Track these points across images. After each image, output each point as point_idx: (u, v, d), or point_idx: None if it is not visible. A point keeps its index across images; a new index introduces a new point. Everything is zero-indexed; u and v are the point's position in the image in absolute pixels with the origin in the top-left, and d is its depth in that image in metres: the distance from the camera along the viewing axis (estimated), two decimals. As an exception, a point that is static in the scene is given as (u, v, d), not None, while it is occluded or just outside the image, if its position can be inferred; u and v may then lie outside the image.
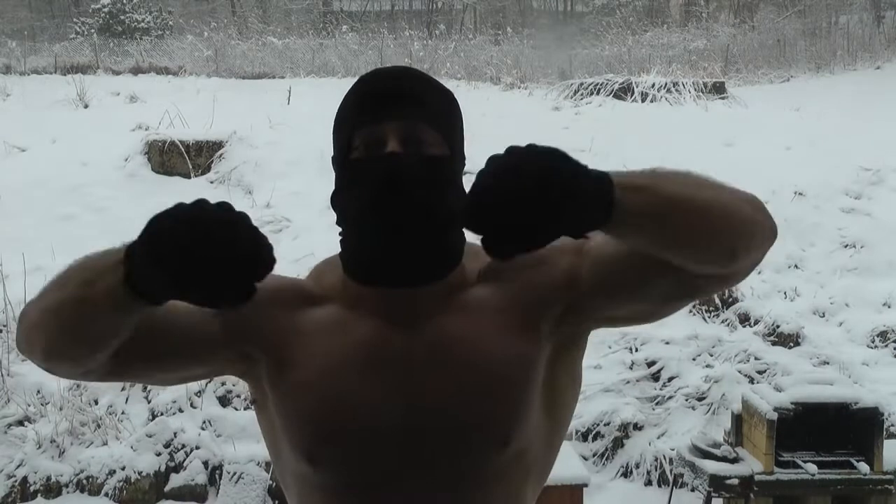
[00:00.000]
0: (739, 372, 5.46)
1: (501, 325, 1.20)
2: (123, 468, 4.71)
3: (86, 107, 12.26)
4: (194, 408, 5.10)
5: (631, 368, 5.52)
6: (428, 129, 1.18)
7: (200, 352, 1.22)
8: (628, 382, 5.46)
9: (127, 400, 5.18)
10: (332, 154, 1.24)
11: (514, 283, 1.22)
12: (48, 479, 4.65)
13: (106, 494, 4.67)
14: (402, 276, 1.17)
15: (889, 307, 6.36)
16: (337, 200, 1.22)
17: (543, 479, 1.29)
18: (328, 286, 1.26)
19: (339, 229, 1.23)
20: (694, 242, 1.10)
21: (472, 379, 1.16)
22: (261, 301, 1.15)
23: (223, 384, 5.25)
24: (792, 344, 5.84)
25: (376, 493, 1.17)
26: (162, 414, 5.06)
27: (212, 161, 8.88)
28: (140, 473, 4.70)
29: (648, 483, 5.06)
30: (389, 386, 1.17)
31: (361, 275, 1.19)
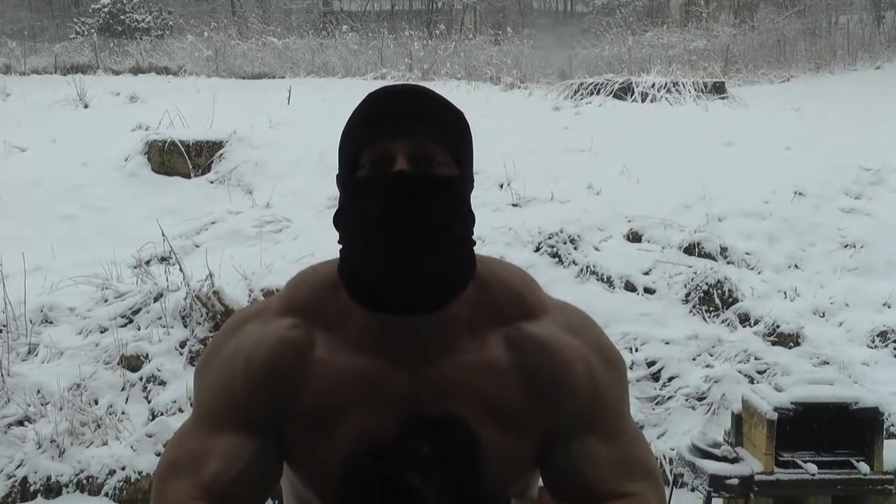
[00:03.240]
0: (739, 372, 5.46)
1: (500, 400, 1.19)
2: (123, 468, 4.71)
3: (86, 107, 12.26)
4: (194, 408, 5.10)
5: (631, 368, 5.52)
6: (438, 149, 1.15)
7: (276, 466, 1.23)
8: (628, 382, 5.46)
9: (127, 400, 5.18)
10: (336, 173, 1.20)
11: (533, 370, 1.21)
12: (48, 479, 4.65)
13: (106, 494, 4.67)
14: (408, 300, 1.14)
15: (889, 307, 6.36)
16: (341, 219, 1.19)
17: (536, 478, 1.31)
18: (319, 311, 1.22)
19: (340, 248, 1.20)
20: None
21: (454, 433, 1.15)
22: (273, 389, 1.19)
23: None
24: (792, 344, 5.84)
25: None
26: (162, 414, 5.06)
27: (212, 161, 8.87)
28: (140, 473, 4.70)
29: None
30: (395, 423, 1.16)
31: (364, 299, 1.16)
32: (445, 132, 1.16)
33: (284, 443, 1.21)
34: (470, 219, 1.19)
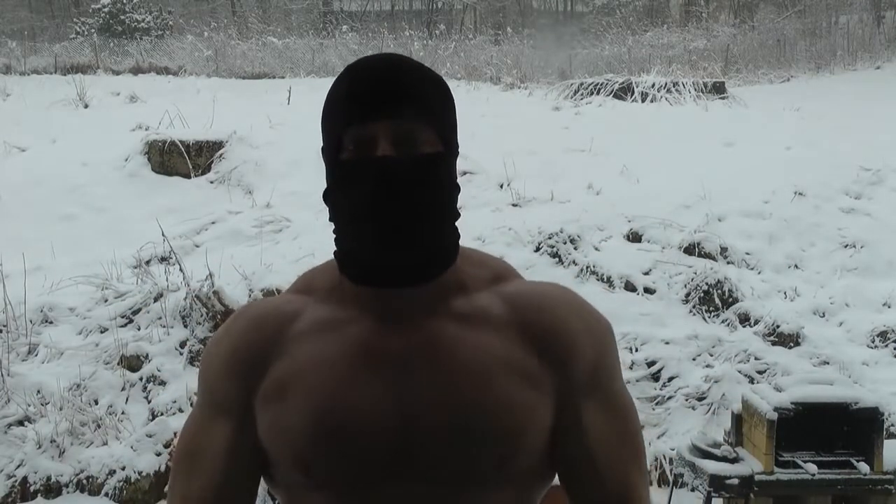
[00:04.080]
0: (739, 372, 5.46)
1: (507, 351, 1.17)
2: (123, 468, 4.71)
3: (86, 107, 12.27)
4: (194, 408, 5.10)
5: (631, 368, 5.52)
6: (421, 127, 1.13)
7: (248, 460, 1.23)
8: (628, 382, 5.46)
9: (127, 400, 5.18)
10: (321, 145, 1.20)
11: (541, 330, 1.19)
12: (48, 479, 4.65)
13: (106, 494, 4.67)
14: (398, 276, 1.14)
15: (889, 307, 6.36)
16: (329, 198, 1.19)
17: (549, 481, 1.27)
18: (318, 288, 1.24)
19: (333, 226, 1.20)
20: None
21: (470, 391, 1.13)
22: (239, 370, 1.19)
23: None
24: (792, 344, 5.84)
25: (368, 496, 1.15)
26: (162, 414, 5.06)
27: (212, 161, 8.88)
28: (140, 473, 4.70)
29: (648, 483, 5.07)
30: (384, 387, 1.14)
31: (356, 275, 1.17)
32: (428, 109, 1.14)
33: (258, 421, 1.20)
34: (455, 190, 1.19)
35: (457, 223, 1.21)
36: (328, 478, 1.15)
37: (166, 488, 1.32)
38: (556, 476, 1.27)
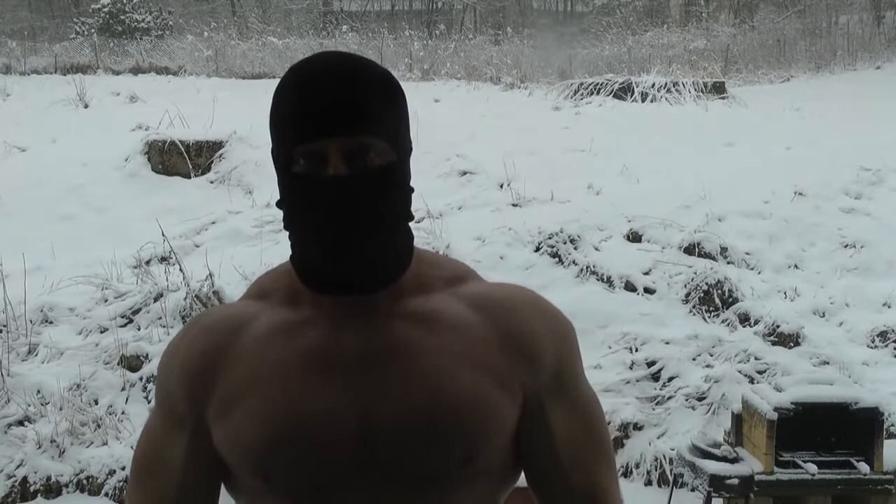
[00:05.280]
0: (739, 372, 5.46)
1: (475, 351, 1.16)
2: (123, 468, 4.70)
3: (86, 107, 12.27)
4: (194, 408, 5.10)
5: (631, 368, 5.52)
6: (373, 140, 1.10)
7: (208, 467, 1.21)
8: (628, 382, 5.46)
9: (127, 400, 5.18)
10: (271, 150, 1.17)
11: (505, 329, 1.18)
12: (48, 479, 4.65)
13: (106, 494, 4.67)
14: (353, 285, 1.13)
15: (889, 307, 6.36)
16: (283, 207, 1.17)
17: (514, 481, 1.26)
18: (273, 292, 1.22)
19: (288, 233, 1.18)
20: None
21: (430, 392, 1.12)
22: (190, 380, 1.18)
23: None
24: (792, 344, 5.84)
25: (330, 502, 1.13)
26: (162, 414, 5.06)
27: (212, 161, 8.88)
28: (140, 473, 4.70)
29: (648, 483, 5.06)
30: (342, 391, 1.13)
31: (312, 283, 1.15)
32: (380, 119, 1.11)
33: (212, 431, 1.18)
34: (409, 193, 1.18)
35: (410, 224, 1.19)
36: (288, 485, 1.14)
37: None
38: (521, 476, 1.27)
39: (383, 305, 1.16)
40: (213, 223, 7.69)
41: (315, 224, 1.11)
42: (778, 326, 5.89)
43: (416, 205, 7.62)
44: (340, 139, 1.09)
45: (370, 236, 1.11)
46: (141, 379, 5.26)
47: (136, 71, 16.74)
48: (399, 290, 1.17)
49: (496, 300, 1.21)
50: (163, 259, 6.66)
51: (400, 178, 1.15)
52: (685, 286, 6.21)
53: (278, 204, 1.19)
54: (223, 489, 1.25)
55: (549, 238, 6.54)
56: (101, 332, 5.60)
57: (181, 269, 5.83)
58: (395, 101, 1.15)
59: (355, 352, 1.14)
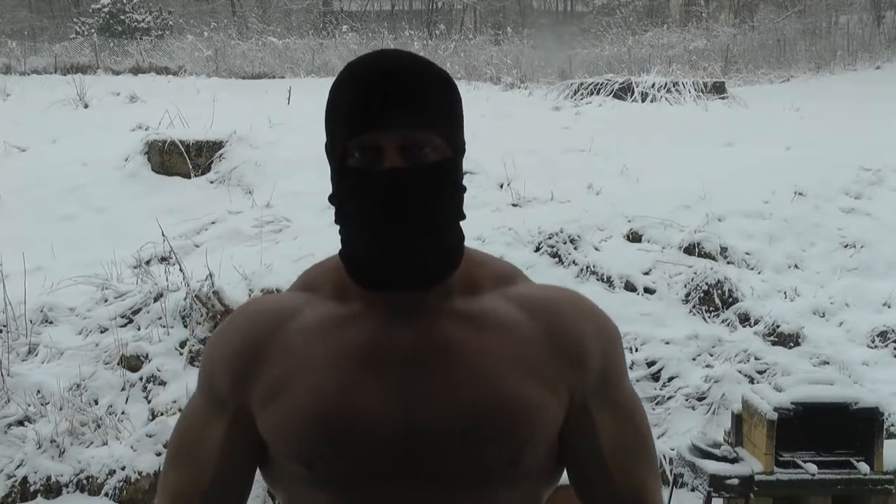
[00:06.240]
0: (739, 372, 5.46)
1: (524, 352, 1.16)
2: (123, 468, 4.70)
3: (86, 107, 12.28)
4: (194, 408, 5.10)
5: (631, 368, 5.52)
6: (429, 135, 1.11)
7: (246, 449, 1.22)
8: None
9: (127, 400, 5.17)
10: (325, 144, 1.18)
11: (553, 330, 1.18)
12: (48, 479, 4.64)
13: (106, 494, 4.67)
14: (406, 282, 1.13)
15: (889, 307, 6.36)
16: (336, 201, 1.17)
17: (556, 481, 1.26)
18: (321, 285, 1.22)
19: (339, 227, 1.18)
20: None
21: (478, 392, 1.13)
22: (234, 367, 1.19)
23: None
24: (792, 344, 5.84)
25: (372, 496, 1.14)
26: (162, 414, 5.05)
27: (212, 161, 8.88)
28: (140, 473, 4.70)
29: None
30: (390, 387, 1.13)
31: (362, 279, 1.15)
32: (436, 115, 1.12)
33: (256, 418, 1.19)
34: (461, 192, 1.18)
35: (461, 223, 1.20)
36: (331, 475, 1.14)
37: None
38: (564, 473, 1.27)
39: (432, 304, 1.16)
40: (213, 223, 7.69)
41: (368, 217, 1.11)
42: (778, 326, 5.89)
43: (416, 205, 7.59)
44: (396, 132, 1.09)
45: (422, 232, 1.11)
46: (141, 379, 5.26)
47: (136, 71, 16.76)
48: (448, 289, 1.17)
49: (544, 301, 1.21)
50: (163, 259, 6.66)
51: (453, 176, 1.16)
52: (685, 286, 6.21)
53: (330, 198, 1.18)
54: (257, 477, 1.25)
55: (549, 238, 6.53)
56: (101, 332, 5.60)
57: (181, 269, 5.83)
58: (451, 100, 1.16)
59: (405, 349, 1.15)
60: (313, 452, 1.14)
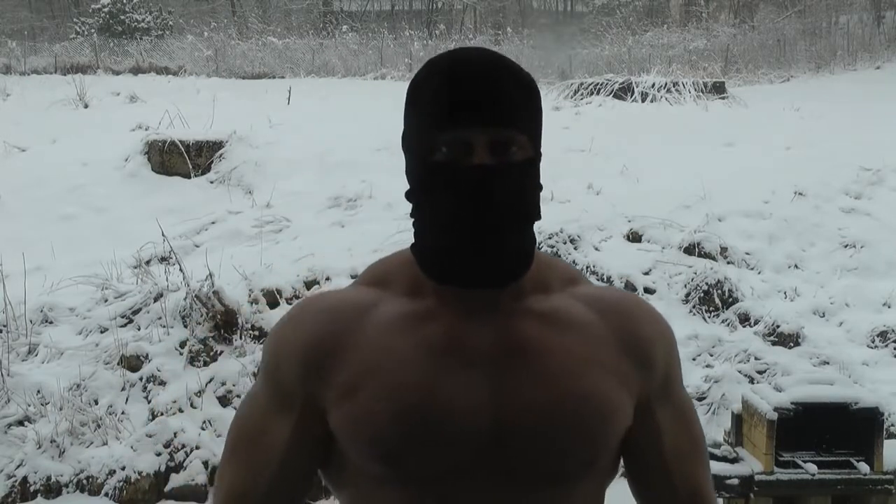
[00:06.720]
0: (739, 372, 5.46)
1: (598, 352, 1.18)
2: (123, 468, 4.70)
3: (86, 107, 12.28)
4: (194, 408, 5.10)
5: (631, 368, 5.52)
6: (517, 134, 1.12)
7: (312, 447, 1.20)
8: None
9: (127, 400, 5.17)
10: (405, 136, 1.18)
11: (623, 332, 1.21)
12: (48, 479, 4.64)
13: (106, 494, 4.67)
14: (487, 279, 1.14)
15: (889, 307, 6.36)
16: (415, 197, 1.18)
17: (614, 478, 1.28)
18: (394, 281, 1.21)
19: (414, 221, 1.19)
20: None
21: (562, 390, 1.14)
22: (306, 363, 1.16)
23: (223, 384, 5.24)
24: (792, 344, 5.84)
25: (451, 492, 1.13)
26: (162, 414, 5.05)
27: (212, 161, 8.88)
28: (140, 473, 4.70)
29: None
30: (476, 384, 1.13)
31: (441, 275, 1.15)
32: (524, 115, 1.14)
33: (329, 415, 1.16)
34: (539, 194, 1.19)
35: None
36: (412, 472, 1.13)
37: (216, 476, 1.25)
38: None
39: (506, 302, 1.17)
40: (213, 223, 7.69)
41: (453, 214, 1.12)
42: (778, 326, 5.89)
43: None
44: (487, 129, 1.10)
45: (505, 229, 1.13)
46: (141, 379, 5.26)
47: (136, 71, 16.76)
48: (520, 289, 1.18)
49: (614, 303, 1.23)
50: (163, 259, 6.66)
51: (535, 176, 1.17)
52: (685, 286, 6.21)
53: (408, 194, 1.19)
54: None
55: (549, 238, 6.54)
56: (101, 332, 5.60)
57: (181, 269, 5.83)
58: (536, 101, 1.17)
59: (487, 346, 1.15)
60: (396, 448, 1.12)
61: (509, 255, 1.14)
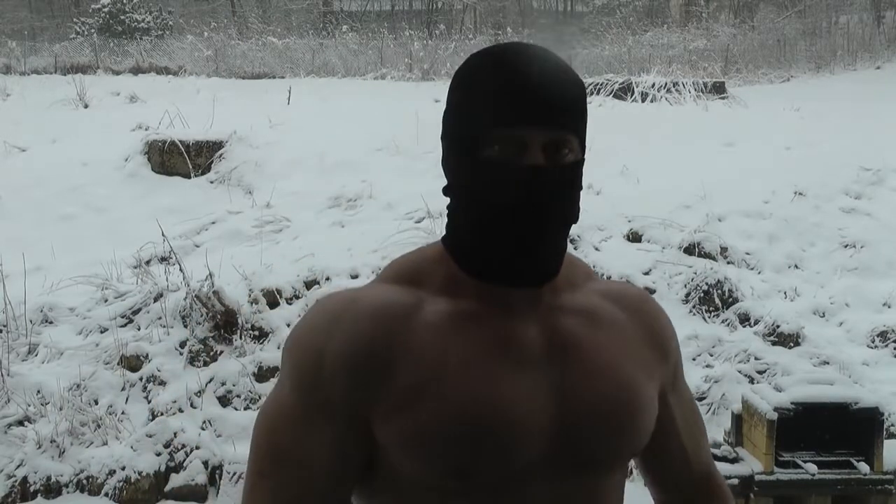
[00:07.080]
0: (739, 372, 5.46)
1: (630, 347, 1.22)
2: (123, 468, 4.70)
3: (86, 107, 12.27)
4: (194, 408, 5.10)
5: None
6: (568, 136, 1.12)
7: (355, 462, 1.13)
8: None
9: (127, 400, 5.18)
10: (450, 129, 1.16)
11: (646, 327, 1.25)
12: (48, 479, 4.64)
13: (106, 494, 4.67)
14: (531, 278, 1.14)
15: (889, 307, 6.36)
16: (456, 193, 1.16)
17: None
18: (429, 280, 1.17)
19: (453, 217, 1.17)
20: None
21: (613, 385, 1.16)
22: (356, 372, 1.09)
23: (223, 384, 5.24)
24: (792, 344, 5.84)
25: (519, 494, 1.12)
26: (162, 414, 5.06)
27: (212, 161, 8.88)
28: (140, 473, 4.70)
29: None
30: (535, 383, 1.12)
31: (484, 272, 1.14)
32: (577, 118, 1.14)
33: (377, 425, 1.10)
34: (580, 195, 1.20)
35: None
36: (482, 480, 1.10)
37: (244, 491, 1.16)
38: None
39: (541, 299, 1.18)
40: (213, 223, 7.69)
41: (502, 212, 1.11)
42: (778, 326, 5.89)
43: (416, 204, 7.59)
44: (541, 129, 1.10)
45: (553, 230, 1.13)
46: (141, 379, 5.26)
47: (136, 71, 16.76)
48: (554, 286, 1.19)
49: (635, 299, 1.28)
50: (163, 259, 6.66)
51: (581, 178, 1.17)
52: (685, 286, 6.21)
53: (445, 189, 1.18)
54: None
55: (549, 238, 6.53)
56: (101, 332, 5.60)
57: (181, 269, 5.83)
58: (586, 105, 1.18)
59: (538, 344, 1.15)
60: (467, 461, 1.08)
61: (551, 254, 1.16)
